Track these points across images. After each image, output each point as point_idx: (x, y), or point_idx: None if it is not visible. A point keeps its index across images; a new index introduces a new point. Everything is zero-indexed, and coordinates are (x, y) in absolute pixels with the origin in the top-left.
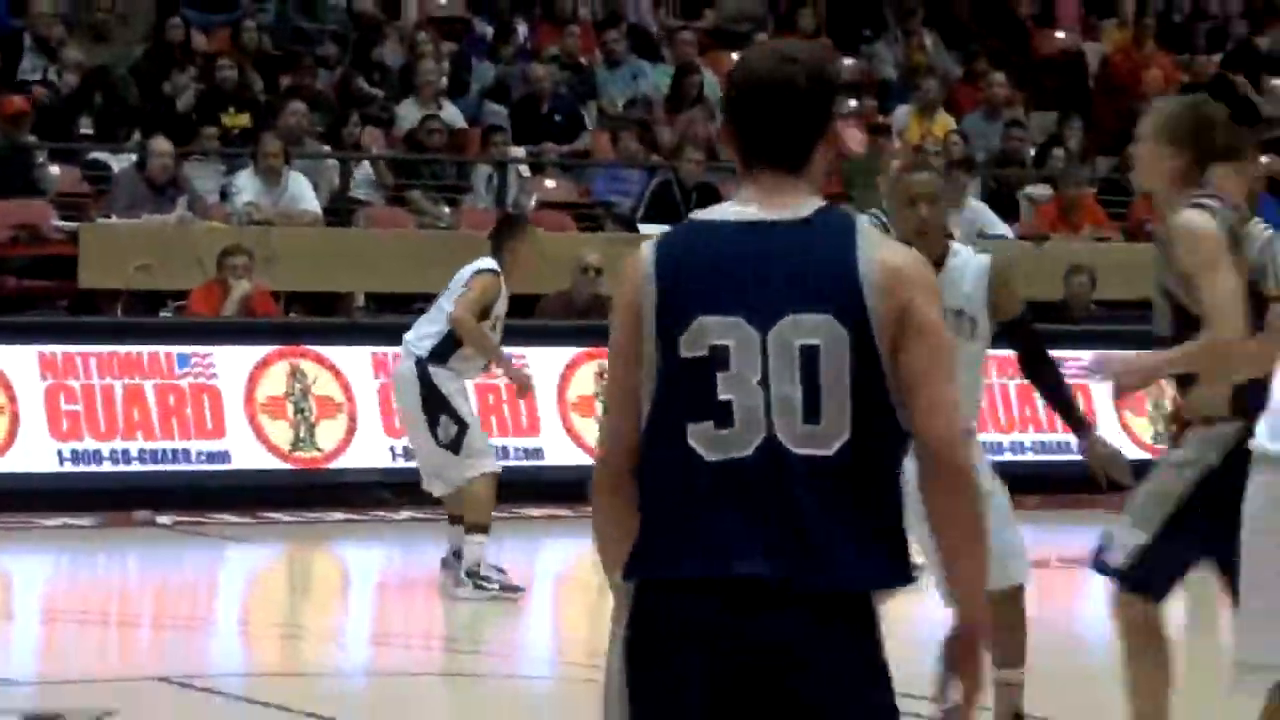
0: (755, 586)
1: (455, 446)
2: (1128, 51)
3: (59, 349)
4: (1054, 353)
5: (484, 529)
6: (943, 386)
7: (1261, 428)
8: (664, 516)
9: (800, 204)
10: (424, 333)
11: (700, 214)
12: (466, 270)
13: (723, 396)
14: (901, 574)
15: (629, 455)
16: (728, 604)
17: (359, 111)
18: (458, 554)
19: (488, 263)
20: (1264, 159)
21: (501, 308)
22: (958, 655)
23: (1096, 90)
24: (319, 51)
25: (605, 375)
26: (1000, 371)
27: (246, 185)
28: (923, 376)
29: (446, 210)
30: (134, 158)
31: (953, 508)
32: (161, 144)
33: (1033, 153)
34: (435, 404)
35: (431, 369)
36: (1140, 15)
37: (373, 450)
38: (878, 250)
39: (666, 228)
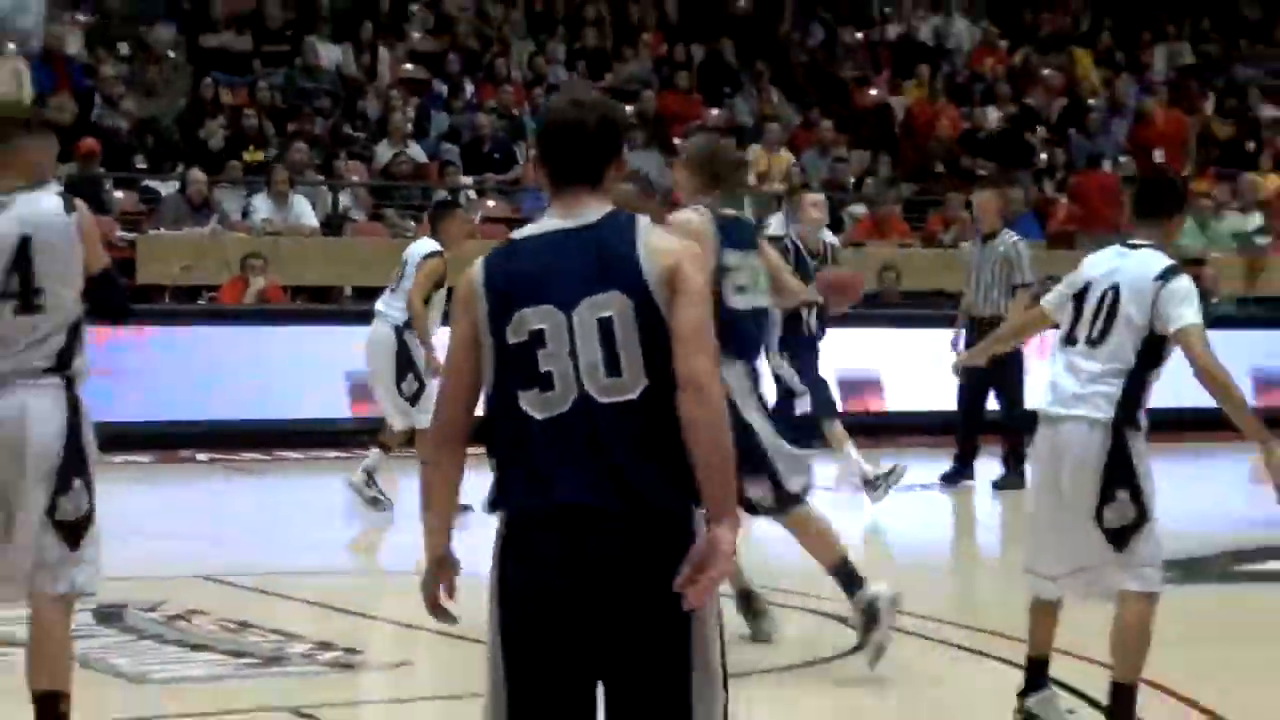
0: (579, 511)
1: (414, 400)
2: (924, 105)
3: (122, 330)
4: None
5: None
6: (706, 334)
7: (1045, 394)
8: (509, 465)
9: (593, 211)
10: (396, 305)
11: (518, 231)
12: (416, 252)
13: (544, 369)
14: (689, 495)
15: (457, 419)
16: (560, 529)
17: (346, 150)
18: (370, 472)
19: (430, 245)
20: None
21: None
22: (710, 545)
23: (901, 134)
24: (316, 105)
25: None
26: None
27: (262, 206)
28: (690, 327)
29: (413, 224)
30: (177, 185)
31: (711, 431)
32: (198, 174)
33: (853, 180)
34: (405, 363)
35: (405, 335)
36: (933, 78)
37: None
38: (653, 239)
39: None
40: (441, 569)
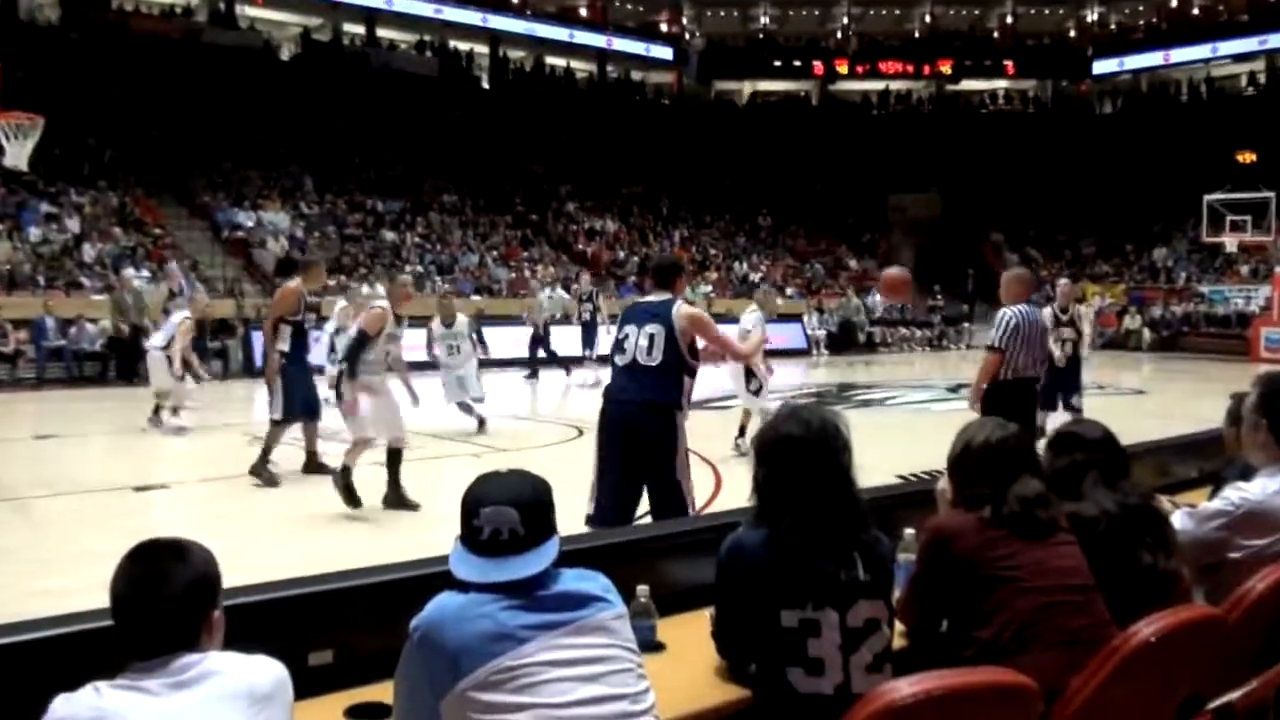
0: (629, 402)
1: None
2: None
3: None
4: None
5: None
6: (717, 334)
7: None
8: (611, 380)
9: (664, 297)
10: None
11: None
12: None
13: (626, 348)
14: (675, 401)
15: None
16: (620, 406)
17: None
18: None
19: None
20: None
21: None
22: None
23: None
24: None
25: None
26: None
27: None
28: (712, 339)
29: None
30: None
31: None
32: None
33: None
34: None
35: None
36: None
37: None
38: (681, 308)
39: None
40: None
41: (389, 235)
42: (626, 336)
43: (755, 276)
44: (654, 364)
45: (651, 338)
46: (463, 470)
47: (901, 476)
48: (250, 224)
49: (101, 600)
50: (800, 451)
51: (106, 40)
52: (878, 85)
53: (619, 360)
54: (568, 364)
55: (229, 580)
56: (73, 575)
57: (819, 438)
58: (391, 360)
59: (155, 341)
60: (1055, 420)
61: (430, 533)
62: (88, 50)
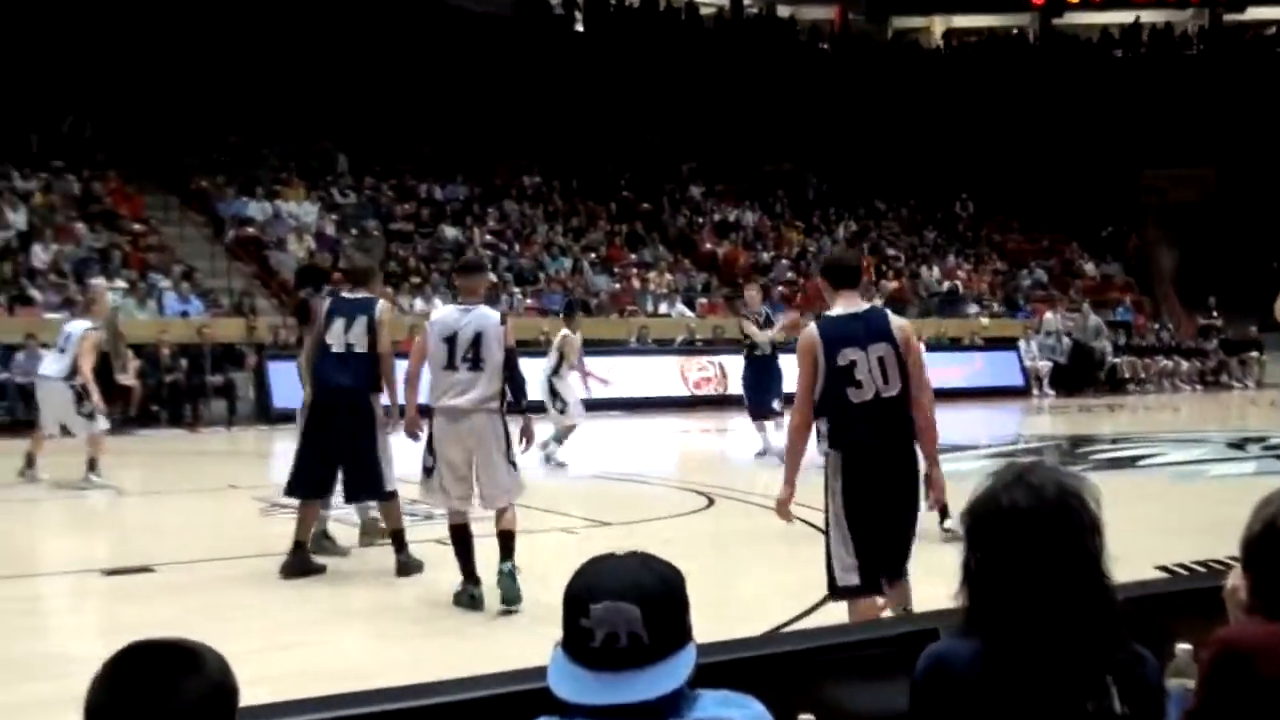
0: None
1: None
2: (735, 250)
3: None
4: None
5: None
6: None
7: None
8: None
9: (867, 305)
10: None
11: (830, 313)
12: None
13: (859, 378)
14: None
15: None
16: (875, 452)
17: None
18: None
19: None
20: None
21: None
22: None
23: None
24: (444, 255)
25: None
26: None
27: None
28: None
29: None
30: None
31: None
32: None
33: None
34: None
35: None
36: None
37: None
38: (895, 319)
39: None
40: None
41: (450, 231)
42: (854, 364)
43: (948, 285)
44: (894, 394)
45: (882, 360)
46: (557, 552)
47: (1164, 569)
48: (264, 218)
49: None
50: (1029, 531)
51: None
52: (1124, 16)
53: (854, 397)
54: None
55: (248, 696)
56: (25, 686)
57: (1056, 512)
58: None
59: (49, 368)
60: None
61: (517, 634)
62: None
